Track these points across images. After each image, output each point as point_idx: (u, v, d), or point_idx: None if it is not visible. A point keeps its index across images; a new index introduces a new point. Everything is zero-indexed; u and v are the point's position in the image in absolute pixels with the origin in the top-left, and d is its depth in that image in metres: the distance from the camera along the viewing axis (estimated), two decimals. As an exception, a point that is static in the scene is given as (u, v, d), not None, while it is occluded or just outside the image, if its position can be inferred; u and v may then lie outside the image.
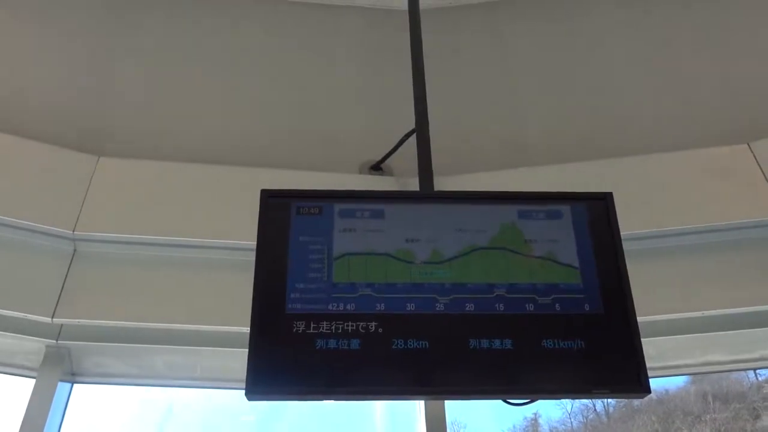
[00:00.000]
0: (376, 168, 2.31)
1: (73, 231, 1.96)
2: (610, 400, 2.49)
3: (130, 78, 2.50)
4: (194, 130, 2.39)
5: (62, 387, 1.96)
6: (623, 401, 2.51)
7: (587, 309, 1.48)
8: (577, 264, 1.54)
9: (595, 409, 2.54)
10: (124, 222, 2.00)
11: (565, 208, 1.62)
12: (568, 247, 1.56)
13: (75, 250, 2.02)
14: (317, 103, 2.53)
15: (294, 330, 1.41)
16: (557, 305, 1.48)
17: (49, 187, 2.03)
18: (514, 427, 2.45)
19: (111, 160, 2.12)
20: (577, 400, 2.44)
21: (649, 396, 1.33)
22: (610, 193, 1.63)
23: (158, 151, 2.22)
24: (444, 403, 1.97)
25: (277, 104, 2.51)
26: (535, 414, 2.45)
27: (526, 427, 2.48)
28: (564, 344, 1.42)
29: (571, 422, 2.52)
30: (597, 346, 1.43)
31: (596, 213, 1.61)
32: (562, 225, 1.60)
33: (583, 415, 2.53)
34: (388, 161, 2.26)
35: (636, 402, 2.47)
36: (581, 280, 1.51)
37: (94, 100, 2.39)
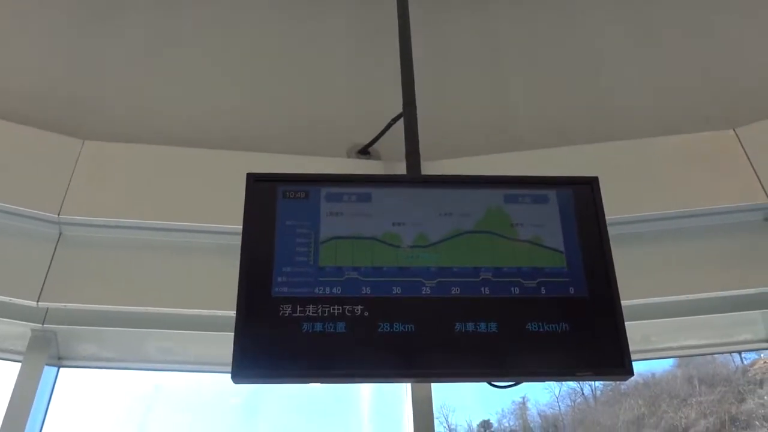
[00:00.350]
0: (364, 152, 2.30)
1: (58, 215, 1.94)
2: (597, 384, 2.51)
3: (116, 60, 2.46)
4: (180, 113, 2.36)
5: (48, 371, 1.95)
6: (610, 385, 2.54)
7: (572, 292, 1.49)
8: (562, 248, 1.55)
9: (582, 393, 2.56)
10: (110, 206, 1.99)
11: (551, 193, 1.63)
12: (553, 232, 1.57)
13: (60, 234, 2.00)
14: (304, 86, 2.51)
15: (280, 313, 1.42)
16: (542, 289, 1.49)
17: (34, 171, 2.01)
18: (502, 411, 2.47)
19: (96, 144, 2.10)
20: (564, 385, 2.47)
21: (635, 380, 1.34)
22: (596, 178, 1.63)
23: (144, 135, 2.19)
24: (431, 386, 1.98)
25: (263, 87, 2.49)
26: (524, 398, 2.48)
27: (515, 410, 2.51)
28: (549, 327, 1.44)
29: (559, 406, 2.54)
30: (581, 329, 1.44)
31: (582, 197, 1.62)
32: (548, 209, 1.60)
33: (570, 399, 2.56)
34: (375, 145, 2.25)
35: (623, 386, 2.50)
36: (566, 264, 1.52)
37: (79, 83, 2.36)
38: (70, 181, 2.00)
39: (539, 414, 2.53)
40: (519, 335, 1.43)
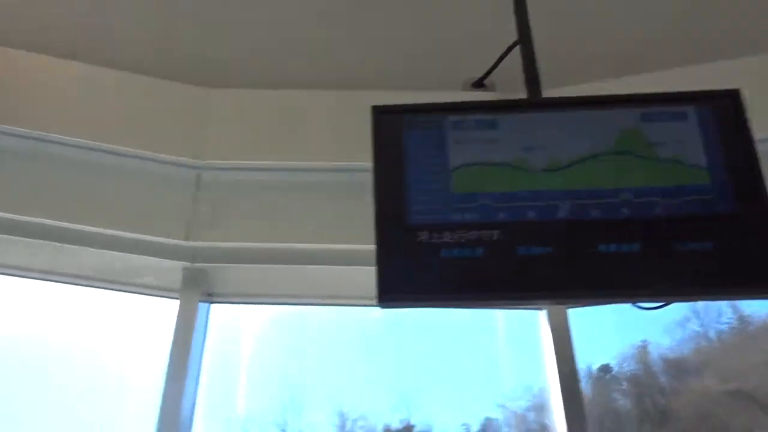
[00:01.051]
0: (479, 85, 2.26)
1: (195, 158, 2.08)
2: (722, 326, 2.40)
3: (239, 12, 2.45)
4: (298, 58, 2.37)
5: (201, 307, 2.07)
6: (736, 328, 2.42)
7: (718, 209, 1.42)
8: (705, 164, 1.47)
9: (707, 336, 2.46)
10: (246, 149, 2.09)
11: (690, 108, 1.54)
12: (695, 148, 1.49)
13: (199, 176, 2.13)
14: (414, 21, 2.46)
15: (418, 239, 1.44)
16: (686, 207, 1.43)
17: (171, 120, 2.14)
18: (622, 355, 2.42)
19: (223, 92, 2.20)
20: (687, 328, 2.38)
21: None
22: (737, 90, 1.53)
23: (265, 81, 2.26)
24: (567, 313, 1.97)
25: (375, 25, 2.45)
26: (644, 342, 2.41)
27: (635, 354, 2.45)
28: (695, 246, 1.38)
29: (681, 350, 2.46)
30: (729, 246, 1.38)
31: (724, 111, 1.53)
32: (688, 126, 1.53)
33: (695, 343, 2.46)
34: (491, 77, 2.21)
35: (751, 327, 2.37)
36: (710, 181, 1.45)
37: (203, 36, 2.40)
38: (205, 127, 2.12)
39: (661, 357, 2.46)
40: (665, 255, 1.38)
